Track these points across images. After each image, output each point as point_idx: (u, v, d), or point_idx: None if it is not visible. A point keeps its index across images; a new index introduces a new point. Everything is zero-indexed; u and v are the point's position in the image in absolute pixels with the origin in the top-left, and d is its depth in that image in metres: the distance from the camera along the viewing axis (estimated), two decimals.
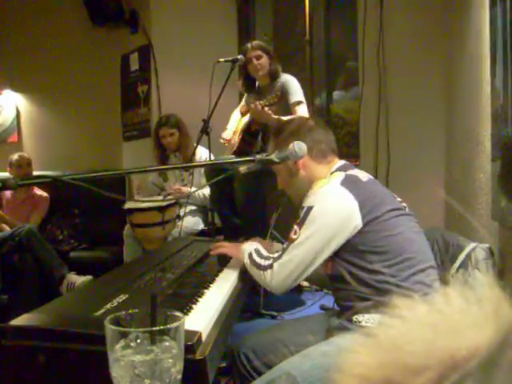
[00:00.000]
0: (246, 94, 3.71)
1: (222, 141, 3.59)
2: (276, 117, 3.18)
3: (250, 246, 1.83)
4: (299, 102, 3.32)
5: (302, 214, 1.62)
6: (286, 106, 3.33)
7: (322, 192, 1.62)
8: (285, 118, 3.23)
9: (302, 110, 3.31)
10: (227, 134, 3.61)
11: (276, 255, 1.66)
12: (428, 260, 1.58)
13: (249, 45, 3.46)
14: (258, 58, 3.39)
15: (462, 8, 3.18)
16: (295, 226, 1.62)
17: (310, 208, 1.60)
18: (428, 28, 3.80)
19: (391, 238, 1.55)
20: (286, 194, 1.95)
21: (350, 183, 1.61)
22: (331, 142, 1.85)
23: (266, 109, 3.16)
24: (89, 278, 3.71)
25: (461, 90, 3.32)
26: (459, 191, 3.25)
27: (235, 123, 3.70)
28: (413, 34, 3.84)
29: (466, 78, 3.13)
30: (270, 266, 1.64)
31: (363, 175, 1.71)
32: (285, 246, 1.66)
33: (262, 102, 3.21)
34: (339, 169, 1.75)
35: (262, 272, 1.66)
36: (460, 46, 3.28)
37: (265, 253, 1.76)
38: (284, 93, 3.32)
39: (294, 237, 1.61)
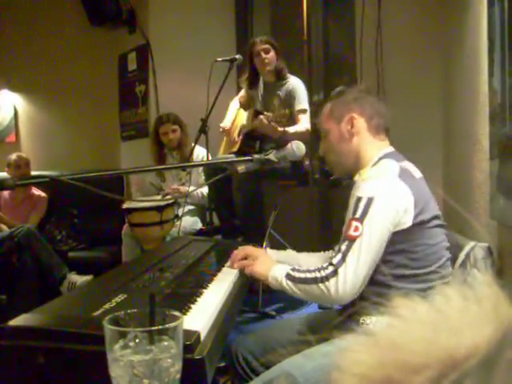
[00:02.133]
0: (246, 84, 3.69)
1: (220, 130, 3.59)
2: (281, 129, 3.18)
3: (282, 268, 1.60)
4: (304, 111, 3.34)
5: (361, 207, 1.46)
6: (289, 108, 3.34)
7: (380, 183, 1.50)
8: (290, 130, 3.23)
9: (305, 119, 3.32)
10: (226, 124, 3.61)
11: (334, 260, 1.46)
12: (448, 276, 1.57)
13: (257, 39, 3.45)
14: (267, 51, 3.38)
15: (460, 7, 3.18)
16: (354, 222, 1.45)
17: (370, 200, 1.45)
18: (426, 27, 3.80)
19: (427, 247, 1.50)
20: (325, 162, 1.81)
21: (405, 177, 1.51)
22: (387, 120, 1.72)
23: (273, 124, 3.16)
24: (90, 277, 3.70)
25: (459, 89, 3.32)
26: (457, 190, 3.25)
27: (233, 114, 3.69)
28: (411, 33, 3.84)
29: (464, 77, 3.13)
30: (333, 274, 1.44)
31: (415, 170, 1.62)
32: (343, 246, 1.46)
33: (270, 114, 3.19)
34: (389, 155, 1.62)
35: (319, 285, 1.45)
36: (458, 46, 3.29)
37: (305, 268, 1.57)
38: (291, 97, 3.33)
39: (356, 233, 1.44)
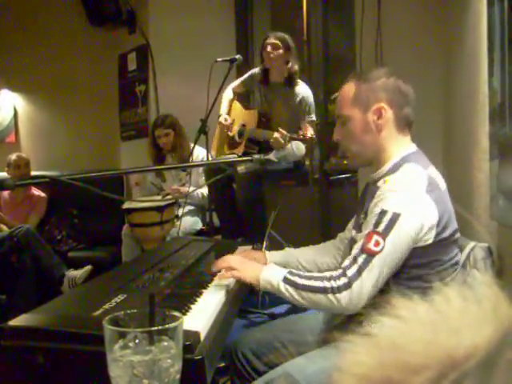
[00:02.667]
0: (248, 76, 3.66)
1: (219, 126, 3.56)
2: (288, 146, 3.17)
3: (275, 271, 1.50)
4: (313, 122, 3.36)
5: (385, 221, 1.36)
6: (294, 114, 3.34)
7: (408, 198, 1.39)
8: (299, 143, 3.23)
9: (311, 130, 3.32)
10: (224, 119, 3.56)
11: (348, 271, 1.36)
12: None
13: (271, 33, 3.42)
14: (274, 47, 3.35)
15: (460, 7, 3.18)
16: (375, 236, 1.36)
17: (396, 215, 1.36)
18: (426, 27, 3.80)
19: (442, 262, 1.46)
20: (340, 146, 1.66)
21: (433, 191, 1.41)
22: (414, 104, 1.58)
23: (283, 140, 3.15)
24: (88, 268, 3.70)
25: (458, 89, 3.32)
26: (457, 190, 3.25)
27: (227, 104, 3.65)
28: (410, 33, 3.84)
29: (464, 77, 3.13)
30: (346, 287, 1.35)
31: (440, 179, 1.53)
32: (360, 258, 1.37)
33: (287, 135, 3.13)
34: (415, 158, 1.51)
35: (328, 296, 1.36)
36: (457, 45, 3.29)
37: (305, 273, 1.50)
38: (301, 107, 3.33)
39: (376, 249, 1.35)
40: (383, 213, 1.37)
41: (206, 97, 2.92)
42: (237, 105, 3.71)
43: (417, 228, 1.37)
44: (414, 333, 0.33)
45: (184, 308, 1.31)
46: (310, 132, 3.27)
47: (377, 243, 1.35)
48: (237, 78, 3.86)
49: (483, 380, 0.29)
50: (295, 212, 4.03)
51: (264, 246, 3.03)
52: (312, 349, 1.51)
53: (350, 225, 1.76)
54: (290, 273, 1.46)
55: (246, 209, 3.32)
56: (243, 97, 3.74)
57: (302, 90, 3.39)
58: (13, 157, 4.32)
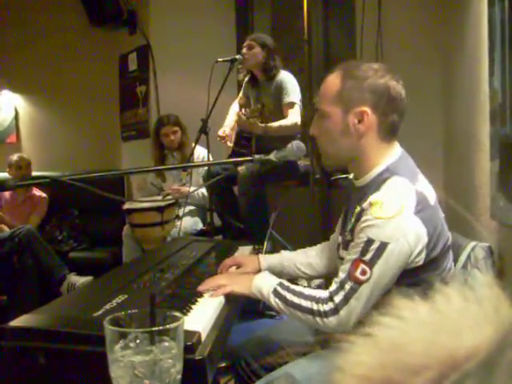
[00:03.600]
0: (244, 86, 3.70)
1: (218, 139, 3.57)
2: (262, 125, 3.19)
3: (267, 280, 1.46)
4: (291, 104, 3.31)
5: (371, 250, 1.29)
6: (279, 103, 3.33)
7: (395, 226, 1.30)
8: (274, 125, 3.23)
9: (293, 113, 3.30)
10: (222, 131, 3.58)
11: (336, 297, 1.32)
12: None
13: (248, 36, 3.50)
14: (249, 47, 3.39)
15: (461, 7, 3.18)
16: (362, 265, 1.30)
17: (384, 244, 1.28)
18: (426, 27, 3.80)
19: (435, 276, 1.37)
20: (317, 143, 1.55)
21: (422, 211, 1.32)
22: (404, 111, 1.45)
23: (251, 119, 3.18)
24: (89, 278, 3.70)
25: (459, 89, 3.32)
26: (458, 190, 3.25)
27: (233, 117, 3.69)
28: (411, 33, 3.84)
29: (465, 77, 3.13)
30: (334, 312, 1.31)
31: (430, 191, 1.41)
32: (346, 285, 1.32)
33: (246, 111, 3.21)
34: (400, 169, 1.40)
35: (315, 318, 1.34)
36: (458, 45, 3.29)
37: (296, 287, 1.43)
38: (280, 91, 3.32)
39: (363, 277, 1.29)
40: (370, 241, 1.30)
41: (206, 97, 2.93)
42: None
43: (406, 255, 1.31)
44: (415, 333, 0.33)
45: (185, 308, 1.31)
46: (290, 117, 3.26)
47: (363, 272, 1.30)
48: (237, 77, 3.87)
49: (484, 380, 0.29)
50: (296, 212, 4.03)
51: (265, 246, 3.03)
52: (313, 350, 1.50)
53: (338, 229, 1.71)
54: (281, 285, 1.42)
55: (248, 209, 3.32)
56: (248, 105, 3.75)
57: (279, 76, 3.39)
58: (14, 157, 4.32)
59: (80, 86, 5.19)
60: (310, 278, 2.04)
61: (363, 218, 1.34)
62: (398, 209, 1.30)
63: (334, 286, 1.35)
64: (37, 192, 4.40)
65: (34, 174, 4.40)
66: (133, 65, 5.00)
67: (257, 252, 2.27)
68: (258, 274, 1.53)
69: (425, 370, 0.30)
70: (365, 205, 1.35)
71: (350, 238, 1.43)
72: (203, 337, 1.14)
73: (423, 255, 1.33)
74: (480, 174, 2.74)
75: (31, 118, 5.44)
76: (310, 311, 1.34)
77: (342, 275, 1.34)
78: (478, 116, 2.73)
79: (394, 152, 1.46)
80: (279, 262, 1.80)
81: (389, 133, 1.44)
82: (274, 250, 3.05)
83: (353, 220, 1.42)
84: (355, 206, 1.43)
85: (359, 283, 1.30)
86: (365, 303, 1.30)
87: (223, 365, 2.21)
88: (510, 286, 0.34)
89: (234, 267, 1.78)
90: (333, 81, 1.45)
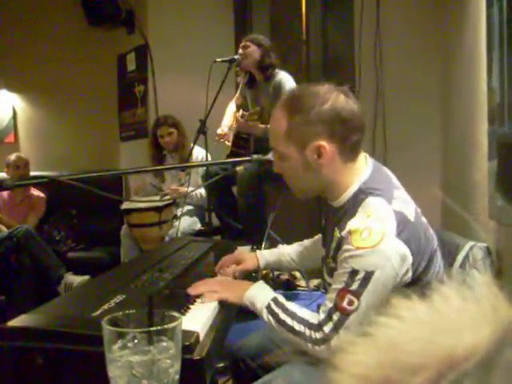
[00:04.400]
0: (240, 86, 3.70)
1: (216, 138, 3.57)
2: (262, 126, 3.19)
3: (261, 293, 1.41)
4: None
5: (357, 280, 1.25)
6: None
7: (378, 255, 1.25)
8: None
9: None
10: (220, 129, 3.59)
11: (325, 327, 1.28)
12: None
13: (244, 38, 3.50)
14: (245, 47, 3.40)
15: (459, 7, 3.18)
16: (348, 295, 1.25)
17: (369, 274, 1.24)
18: (425, 27, 3.80)
19: (425, 284, 1.36)
20: (284, 182, 1.50)
21: (403, 231, 1.28)
22: (363, 125, 1.38)
23: (250, 122, 3.18)
24: (86, 278, 3.70)
25: (457, 89, 3.32)
26: (456, 190, 3.25)
27: (230, 117, 3.69)
28: (409, 34, 3.84)
29: (463, 77, 3.13)
30: (324, 341, 1.28)
31: (407, 207, 1.35)
32: (334, 316, 1.27)
33: (245, 113, 3.22)
34: (374, 187, 1.35)
35: (307, 344, 1.31)
36: (456, 45, 3.29)
37: (290, 305, 1.38)
38: (278, 92, 3.33)
39: (351, 308, 1.25)
40: (355, 272, 1.25)
41: (205, 97, 2.92)
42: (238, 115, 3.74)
43: (393, 278, 1.27)
44: (413, 332, 0.33)
45: (183, 308, 1.31)
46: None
47: (350, 302, 1.25)
48: (236, 78, 3.87)
49: (482, 380, 0.29)
50: (294, 213, 4.03)
51: (263, 246, 3.03)
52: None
53: (320, 241, 1.66)
54: (275, 301, 1.37)
55: (246, 210, 3.32)
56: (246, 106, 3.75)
57: (277, 77, 3.39)
58: (12, 157, 4.32)
59: (78, 85, 5.19)
60: (307, 270, 1.98)
61: (344, 247, 1.29)
62: (380, 236, 1.25)
63: (322, 316, 1.31)
64: (35, 192, 4.40)
65: (32, 173, 4.40)
66: (131, 65, 5.00)
67: None
68: (251, 284, 1.47)
69: (423, 370, 0.30)
70: (344, 233, 1.30)
71: (333, 265, 1.39)
72: (201, 337, 1.14)
73: (410, 274, 1.30)
74: (478, 173, 2.74)
75: (29, 118, 5.43)
76: (303, 336, 1.31)
77: (329, 304, 1.30)
78: (476, 116, 2.74)
79: (364, 168, 1.40)
80: (276, 257, 1.82)
81: (353, 153, 1.37)
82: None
83: (333, 245, 1.38)
84: (333, 229, 1.40)
85: (347, 314, 1.26)
86: (357, 328, 1.27)
87: (221, 365, 2.21)
88: (508, 285, 0.34)
89: (233, 264, 1.79)
90: (279, 120, 1.37)
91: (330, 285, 1.39)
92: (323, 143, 1.31)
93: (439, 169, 3.80)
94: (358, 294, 1.24)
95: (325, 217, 1.58)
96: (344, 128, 1.32)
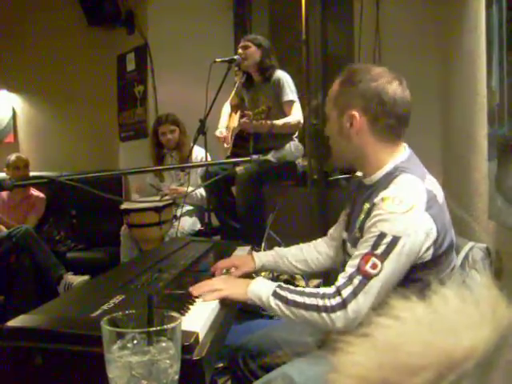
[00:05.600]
0: (236, 86, 3.70)
1: (221, 140, 3.58)
2: (269, 122, 3.20)
3: (264, 284, 1.44)
4: (291, 102, 3.33)
5: (383, 244, 1.31)
6: (276, 103, 3.34)
7: (407, 221, 1.31)
8: (279, 123, 3.24)
9: (295, 109, 3.33)
10: (219, 132, 3.60)
11: (343, 291, 1.31)
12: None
13: (243, 39, 3.51)
14: (244, 48, 3.40)
15: (459, 8, 3.18)
16: (373, 258, 1.31)
17: (396, 239, 1.30)
18: (424, 28, 3.80)
19: (442, 273, 1.41)
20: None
21: (432, 208, 1.35)
22: (407, 115, 1.48)
23: (254, 122, 3.18)
24: (86, 278, 3.70)
25: (457, 90, 3.32)
26: (455, 191, 3.25)
27: (227, 118, 3.70)
28: (409, 34, 3.84)
29: (463, 77, 3.13)
30: (341, 306, 1.30)
31: (438, 190, 1.44)
32: (355, 280, 1.31)
33: (250, 113, 3.22)
34: (410, 168, 1.42)
35: (321, 314, 1.31)
36: (456, 46, 3.29)
37: (296, 288, 1.41)
38: (277, 90, 3.33)
39: (373, 271, 1.30)
40: (382, 235, 1.31)
41: (204, 97, 2.92)
42: (234, 116, 3.73)
43: (416, 250, 1.33)
44: (412, 333, 0.33)
45: (182, 309, 1.31)
46: (293, 115, 3.29)
47: (374, 265, 1.30)
48: (236, 74, 3.88)
49: (481, 381, 0.29)
50: (294, 213, 4.03)
51: (263, 246, 3.03)
52: (312, 351, 1.50)
53: (341, 226, 1.71)
54: (280, 287, 1.40)
55: (246, 210, 3.32)
56: (242, 107, 3.76)
57: (275, 75, 3.39)
58: (12, 157, 4.31)
59: (78, 85, 5.19)
60: (304, 274, 2.01)
61: (375, 213, 1.35)
62: (410, 205, 1.32)
63: (341, 281, 1.34)
64: (34, 192, 4.39)
65: (32, 174, 4.39)
66: (131, 65, 5.00)
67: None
68: (253, 279, 1.50)
69: (422, 371, 0.30)
70: (376, 200, 1.37)
71: (359, 235, 1.43)
72: (201, 337, 1.14)
73: (431, 251, 1.35)
74: (478, 174, 2.74)
75: (29, 118, 5.43)
76: (315, 307, 1.32)
77: (350, 270, 1.34)
78: (476, 116, 2.74)
79: (402, 153, 1.49)
80: (273, 259, 1.81)
81: (387, 135, 1.46)
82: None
83: (362, 217, 1.44)
84: (363, 204, 1.45)
85: (369, 277, 1.30)
86: (373, 299, 1.30)
87: (221, 365, 2.21)
88: (508, 286, 0.34)
89: (232, 268, 1.78)
90: (334, 85, 1.52)
91: (350, 256, 1.42)
92: (355, 113, 1.44)
93: (439, 170, 3.80)
94: (382, 258, 1.30)
95: (349, 205, 1.63)
96: (379, 108, 1.43)
